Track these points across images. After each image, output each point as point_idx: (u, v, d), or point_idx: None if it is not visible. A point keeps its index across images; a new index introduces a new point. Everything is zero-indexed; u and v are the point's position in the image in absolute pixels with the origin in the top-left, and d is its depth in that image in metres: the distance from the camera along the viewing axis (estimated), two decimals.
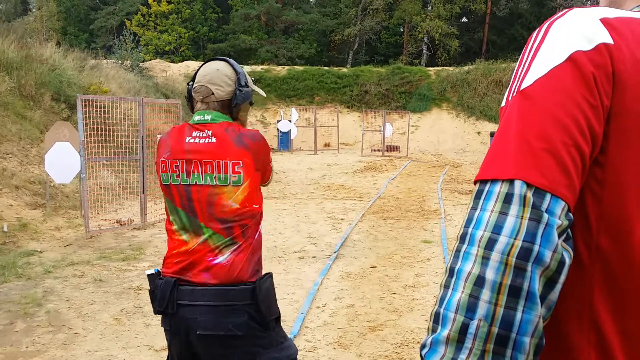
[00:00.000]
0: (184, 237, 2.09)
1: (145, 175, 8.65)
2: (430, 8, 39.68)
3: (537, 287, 0.71)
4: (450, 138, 26.75)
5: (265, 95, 2.49)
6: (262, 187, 2.22)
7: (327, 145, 26.06)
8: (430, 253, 7.20)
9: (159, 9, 40.09)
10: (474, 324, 0.71)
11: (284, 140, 24.51)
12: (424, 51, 40.63)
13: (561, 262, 0.72)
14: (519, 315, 0.70)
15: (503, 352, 0.70)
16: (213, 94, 2.13)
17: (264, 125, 28.13)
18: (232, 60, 2.23)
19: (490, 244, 0.72)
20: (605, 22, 0.79)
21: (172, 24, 40.15)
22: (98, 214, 9.05)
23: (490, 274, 0.71)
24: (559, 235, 0.72)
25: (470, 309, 0.71)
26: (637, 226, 0.77)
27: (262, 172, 2.16)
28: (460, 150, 25.34)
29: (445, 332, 0.73)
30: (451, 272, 0.75)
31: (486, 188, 0.75)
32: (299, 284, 5.85)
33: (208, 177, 2.04)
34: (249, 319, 2.03)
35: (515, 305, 0.70)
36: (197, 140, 2.08)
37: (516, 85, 0.81)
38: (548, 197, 0.72)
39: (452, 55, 39.22)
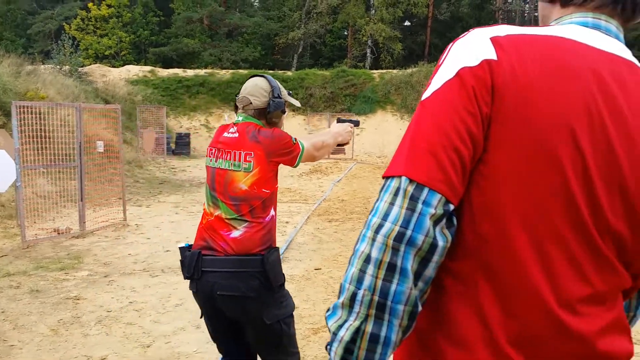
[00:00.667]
0: (207, 209, 2.61)
1: (84, 182, 8.44)
2: (373, 12, 40.16)
3: (411, 264, 0.86)
4: (395, 140, 27.10)
5: (299, 105, 2.98)
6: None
7: None
8: None
9: (99, 13, 39.12)
10: (360, 293, 0.87)
11: None
12: (368, 54, 41.07)
13: (433, 245, 0.86)
14: (393, 287, 0.85)
15: (382, 316, 0.86)
16: (251, 103, 2.63)
17: (208, 129, 27.80)
18: (269, 77, 2.71)
19: (378, 229, 0.87)
20: (494, 40, 0.92)
21: (113, 28, 39.23)
22: (35, 223, 8.77)
23: (374, 253, 0.86)
24: (435, 223, 0.86)
25: (359, 280, 0.87)
26: (510, 215, 0.89)
27: (282, 160, 2.59)
28: None
29: (342, 299, 0.89)
30: (353, 251, 0.91)
31: (386, 183, 0.90)
32: None
33: (227, 163, 2.57)
34: (260, 284, 2.46)
35: (391, 279, 0.85)
36: (228, 134, 2.62)
37: (421, 97, 0.96)
38: (426, 190, 0.86)
39: (396, 59, 39.80)
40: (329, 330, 0.90)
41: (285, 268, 6.59)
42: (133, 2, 41.44)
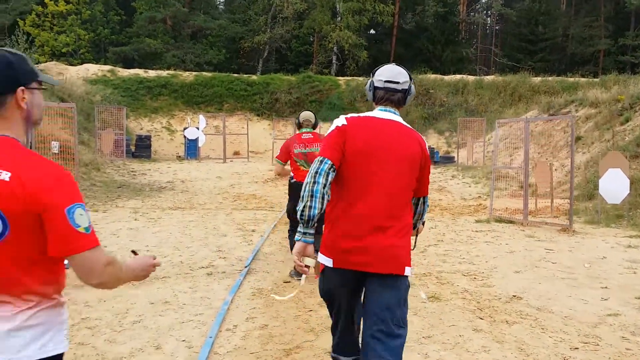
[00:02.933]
0: (303, 168, 6.25)
1: None
2: (339, 19, 40.01)
3: (322, 180, 2.72)
4: None
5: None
6: None
7: (236, 153, 25.46)
8: None
9: (56, 9, 37.85)
10: (306, 193, 2.72)
11: (192, 148, 23.64)
12: (333, 61, 40.90)
13: (328, 175, 2.74)
14: (316, 187, 2.71)
15: (313, 199, 2.71)
16: (312, 122, 6.83)
17: (170, 132, 27.10)
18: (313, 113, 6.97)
19: (312, 169, 2.77)
20: (347, 118, 2.88)
21: (71, 25, 38.05)
22: None
23: (309, 178, 2.74)
24: (329, 168, 2.75)
25: (304, 188, 2.75)
26: (351, 177, 2.81)
27: None
28: None
29: (302, 195, 2.75)
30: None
31: (316, 158, 2.85)
32: (207, 303, 5.38)
33: (313, 147, 6.26)
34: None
35: (314, 186, 2.72)
36: (306, 136, 6.41)
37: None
38: (326, 159, 2.76)
39: (361, 66, 39.75)
40: (301, 200, 2.76)
41: (252, 281, 6.18)
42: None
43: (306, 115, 6.62)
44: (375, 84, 2.95)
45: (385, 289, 2.73)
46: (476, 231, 9.28)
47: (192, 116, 27.07)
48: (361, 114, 2.91)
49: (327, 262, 2.78)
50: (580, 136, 17.04)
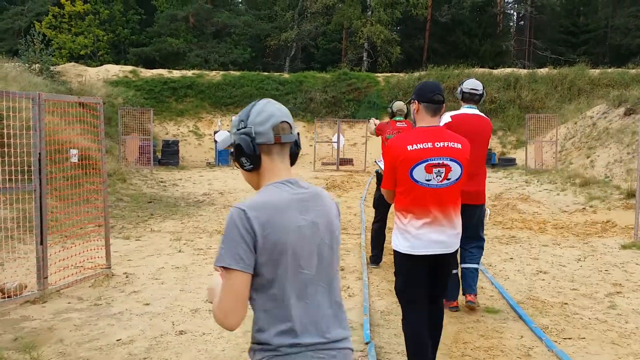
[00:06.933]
0: None
1: (45, 214, 5.49)
2: (370, 13, 37.54)
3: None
4: None
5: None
6: None
7: None
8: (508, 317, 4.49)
9: (73, 9, 35.80)
10: None
11: (223, 153, 21.29)
12: (364, 58, 38.43)
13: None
14: None
15: None
16: (404, 111, 6.98)
17: (198, 137, 24.82)
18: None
19: None
20: (452, 115, 5.00)
21: (89, 25, 35.99)
22: None
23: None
24: None
25: None
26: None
27: None
28: None
29: None
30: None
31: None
32: None
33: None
34: None
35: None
36: (400, 125, 6.75)
37: None
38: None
39: (393, 63, 37.26)
40: None
41: None
42: None
43: (399, 105, 6.99)
44: (463, 90, 5.16)
45: None
46: None
47: (221, 119, 24.80)
48: (460, 111, 5.11)
49: None
50: None
